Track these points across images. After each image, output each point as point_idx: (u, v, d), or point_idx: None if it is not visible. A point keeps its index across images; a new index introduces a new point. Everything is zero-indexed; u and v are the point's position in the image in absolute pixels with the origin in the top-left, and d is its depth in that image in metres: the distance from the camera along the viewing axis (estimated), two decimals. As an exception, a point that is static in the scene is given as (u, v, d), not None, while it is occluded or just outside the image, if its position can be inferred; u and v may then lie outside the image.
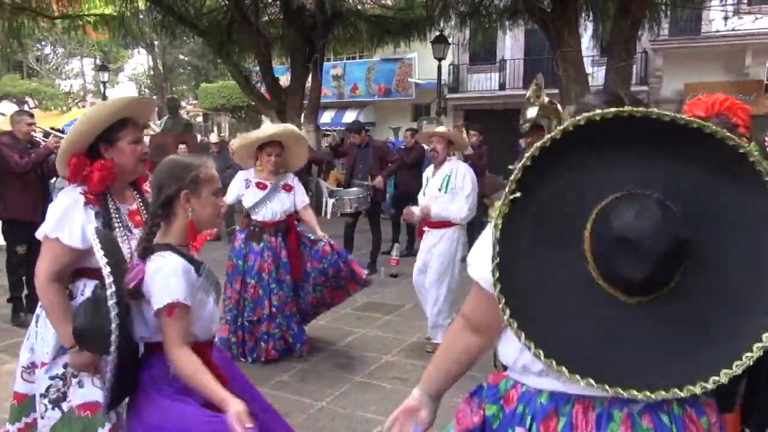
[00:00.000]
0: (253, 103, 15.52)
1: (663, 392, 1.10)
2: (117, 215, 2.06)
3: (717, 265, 1.12)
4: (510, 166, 11.00)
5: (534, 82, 6.02)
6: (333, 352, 4.43)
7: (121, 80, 33.05)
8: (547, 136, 1.16)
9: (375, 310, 5.50)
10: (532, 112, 5.77)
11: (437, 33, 12.85)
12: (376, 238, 7.16)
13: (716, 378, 1.08)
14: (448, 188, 4.29)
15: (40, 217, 2.08)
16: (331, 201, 8.98)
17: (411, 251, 8.10)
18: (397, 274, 6.86)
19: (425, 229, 4.48)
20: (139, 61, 34.48)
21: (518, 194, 1.16)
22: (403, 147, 8.83)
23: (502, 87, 18.03)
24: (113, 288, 1.59)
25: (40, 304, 2.08)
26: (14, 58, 22.78)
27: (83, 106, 26.47)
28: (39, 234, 1.99)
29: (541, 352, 1.13)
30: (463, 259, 5.10)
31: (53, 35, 17.51)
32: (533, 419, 1.25)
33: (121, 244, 1.99)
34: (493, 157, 8.44)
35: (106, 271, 1.60)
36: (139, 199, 2.21)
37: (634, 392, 1.10)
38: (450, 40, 13.97)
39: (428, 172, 4.61)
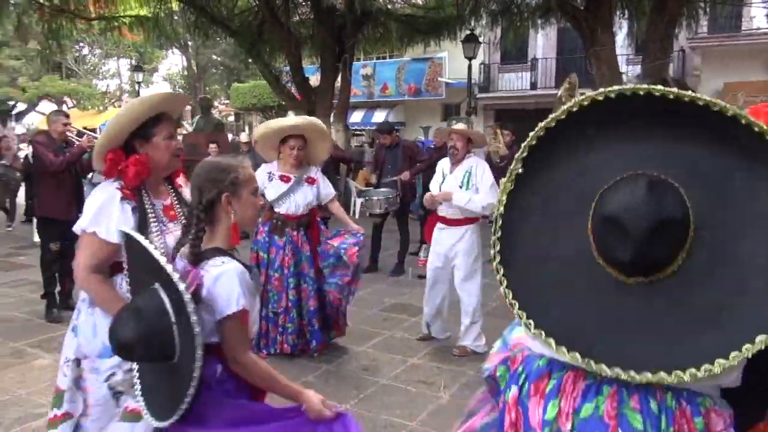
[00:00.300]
0: (283, 103, 15.63)
1: (649, 375, 1.08)
2: (152, 210, 2.08)
3: (732, 251, 1.08)
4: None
5: (567, 81, 5.88)
6: (358, 353, 4.41)
7: (155, 80, 33.70)
8: (551, 115, 1.18)
9: (402, 312, 5.46)
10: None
11: (468, 32, 12.73)
12: (404, 239, 7.11)
13: (709, 367, 1.03)
14: (469, 184, 4.28)
15: (74, 216, 2.12)
16: (359, 201, 8.97)
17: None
18: (424, 275, 6.79)
19: (441, 226, 4.42)
20: (173, 62, 35.16)
21: (521, 170, 1.21)
22: (433, 146, 8.77)
23: (533, 86, 17.81)
24: (187, 295, 1.52)
25: (81, 298, 2.11)
26: (54, 59, 23.40)
27: (119, 106, 27.07)
28: (76, 228, 2.01)
29: (532, 322, 1.17)
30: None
31: (90, 36, 17.93)
32: (527, 378, 1.28)
33: (156, 239, 2.02)
34: (524, 158, 8.32)
35: (176, 277, 1.54)
36: (173, 194, 2.22)
37: (618, 370, 1.10)
38: (481, 39, 13.83)
39: (443, 166, 4.53)
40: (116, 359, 2.01)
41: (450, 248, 4.37)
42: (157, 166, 2.09)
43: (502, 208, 1.23)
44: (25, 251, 7.91)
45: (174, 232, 2.11)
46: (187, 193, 2.28)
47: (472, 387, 3.82)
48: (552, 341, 1.15)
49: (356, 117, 19.56)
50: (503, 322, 4.95)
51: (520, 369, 1.31)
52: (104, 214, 1.98)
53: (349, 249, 4.08)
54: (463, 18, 11.54)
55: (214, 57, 29.04)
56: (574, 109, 1.15)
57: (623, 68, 11.26)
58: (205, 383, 1.64)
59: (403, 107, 20.31)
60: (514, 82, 18.28)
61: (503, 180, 1.25)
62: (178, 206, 2.20)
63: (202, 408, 1.61)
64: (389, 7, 12.36)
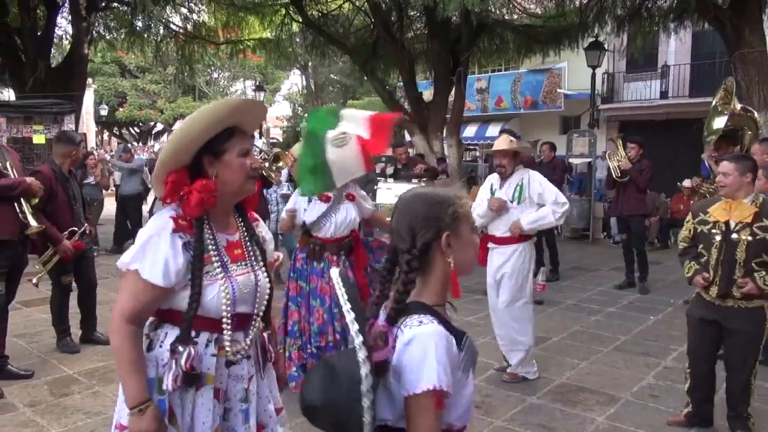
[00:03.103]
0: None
1: None
2: (214, 247, 1.71)
3: None
4: (679, 183, 9.84)
5: (722, 87, 5.19)
6: (470, 387, 4.06)
7: (277, 100, 35.46)
8: None
9: (518, 341, 5.01)
10: (720, 122, 4.96)
11: (591, 40, 11.97)
12: None
13: None
14: (521, 198, 4.07)
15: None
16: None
17: (556, 275, 7.48)
18: (543, 300, 6.30)
19: (491, 245, 4.19)
20: (294, 81, 36.84)
21: None
22: (540, 161, 8.25)
23: (664, 95, 16.42)
24: (368, 362, 1.22)
25: None
26: (187, 82, 25.36)
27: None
28: (118, 263, 1.68)
29: None
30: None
31: (220, 61, 19.19)
32: None
33: (209, 284, 1.67)
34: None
35: (354, 328, 1.26)
36: (243, 228, 1.84)
37: None
38: (605, 46, 12.96)
39: (492, 180, 4.33)
40: None
41: (497, 269, 4.16)
42: (227, 190, 1.72)
43: None
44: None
45: (238, 277, 1.73)
46: (263, 228, 1.95)
47: (601, 436, 3.35)
48: None
49: (469, 131, 19.16)
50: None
51: None
52: (151, 248, 1.63)
53: None
54: (585, 25, 10.85)
55: (332, 76, 29.99)
56: None
57: (775, 72, 10.00)
58: None
59: (518, 120, 19.61)
60: (641, 92, 16.97)
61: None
62: (247, 243, 1.82)
63: None
64: (506, 17, 11.94)
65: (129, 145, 18.47)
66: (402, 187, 6.36)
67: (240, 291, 1.72)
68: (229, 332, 1.71)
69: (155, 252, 1.63)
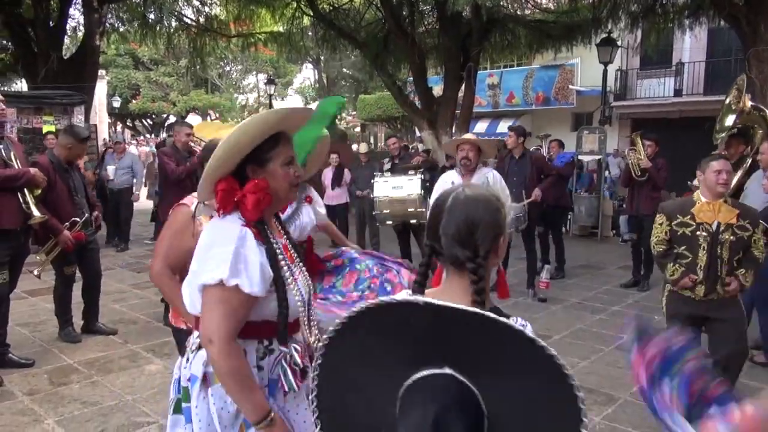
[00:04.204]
0: (406, 114, 15.62)
1: None
2: (279, 250, 1.70)
3: None
4: (690, 183, 9.74)
5: (734, 87, 5.09)
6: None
7: (289, 93, 35.53)
8: None
9: (519, 339, 4.98)
10: (730, 120, 4.87)
11: (603, 35, 11.84)
12: (530, 258, 6.57)
13: None
14: None
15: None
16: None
17: (561, 272, 7.41)
18: (546, 298, 6.25)
19: None
20: (306, 75, 36.89)
21: None
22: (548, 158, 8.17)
23: (678, 93, 16.24)
24: (581, 393, 1.00)
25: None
26: (200, 75, 25.48)
27: (255, 118, 28.90)
28: (208, 279, 1.57)
29: None
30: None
31: (231, 53, 19.23)
32: None
33: (293, 290, 1.68)
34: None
35: (569, 370, 1.00)
36: (283, 232, 1.84)
37: None
38: (618, 42, 12.82)
39: (452, 177, 4.29)
40: None
41: None
42: (273, 198, 1.71)
43: None
44: (159, 254, 8.38)
45: (298, 279, 1.73)
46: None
47: (597, 437, 3.32)
48: None
49: (480, 127, 19.08)
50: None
51: None
52: (242, 261, 1.57)
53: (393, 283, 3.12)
54: (599, 21, 10.73)
55: (344, 70, 29.96)
56: None
57: (791, 70, 9.83)
58: None
59: (529, 117, 19.50)
60: (655, 89, 16.79)
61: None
62: (291, 247, 1.81)
63: None
64: (518, 12, 11.84)
65: (122, 136, 18.22)
66: (399, 180, 6.34)
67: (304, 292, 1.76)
68: (301, 334, 1.74)
69: (248, 263, 1.59)
